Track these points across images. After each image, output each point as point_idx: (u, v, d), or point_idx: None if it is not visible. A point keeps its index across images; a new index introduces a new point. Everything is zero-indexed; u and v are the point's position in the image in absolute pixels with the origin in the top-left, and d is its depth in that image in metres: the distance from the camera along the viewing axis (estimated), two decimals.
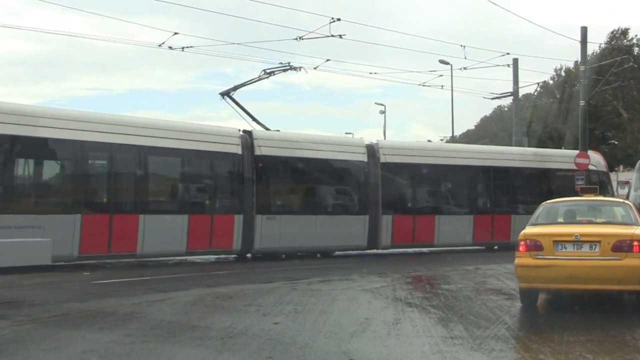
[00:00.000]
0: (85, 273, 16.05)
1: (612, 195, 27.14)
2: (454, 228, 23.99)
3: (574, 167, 26.49)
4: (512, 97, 33.85)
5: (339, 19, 22.33)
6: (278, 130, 22.23)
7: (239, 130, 21.03)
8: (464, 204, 25.45)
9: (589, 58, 30.75)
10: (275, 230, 20.42)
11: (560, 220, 11.70)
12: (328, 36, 22.41)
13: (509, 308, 10.98)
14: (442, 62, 35.85)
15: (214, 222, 19.49)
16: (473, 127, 75.27)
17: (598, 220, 11.73)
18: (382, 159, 22.80)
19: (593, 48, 41.08)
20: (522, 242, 10.69)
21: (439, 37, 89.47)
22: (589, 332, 8.94)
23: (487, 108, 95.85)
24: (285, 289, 13.28)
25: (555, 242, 10.44)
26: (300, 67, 23.38)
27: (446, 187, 25.50)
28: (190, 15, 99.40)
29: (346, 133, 44.08)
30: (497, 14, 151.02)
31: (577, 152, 27.48)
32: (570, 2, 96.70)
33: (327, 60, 27.81)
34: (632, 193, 29.78)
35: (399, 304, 11.37)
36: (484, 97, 36.75)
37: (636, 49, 47.47)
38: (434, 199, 24.79)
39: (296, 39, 23.08)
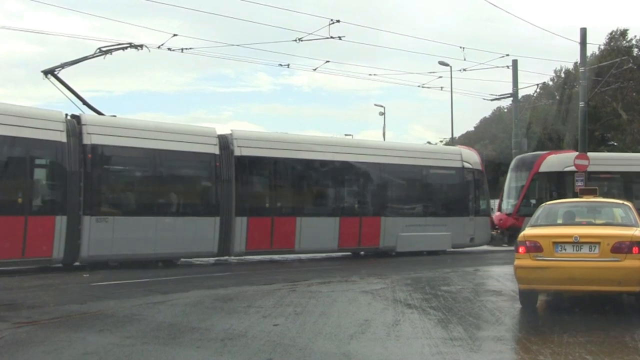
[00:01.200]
0: (84, 275, 16.04)
1: (488, 199, 26.52)
2: (317, 232, 21.25)
3: (453, 164, 24.70)
4: (511, 99, 33.89)
5: (338, 21, 22.34)
6: (114, 116, 19.08)
7: (66, 114, 17.80)
8: (329, 204, 22.59)
9: (588, 59, 30.77)
10: (107, 235, 17.41)
11: (560, 221, 11.72)
12: (327, 38, 22.42)
13: (508, 309, 11.00)
14: (442, 63, 35.88)
15: (28, 225, 16.17)
16: (472, 129, 75.27)
17: (597, 221, 11.75)
18: (237, 152, 19.99)
19: (592, 49, 41.18)
20: (521, 244, 10.70)
21: (438, 38, 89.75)
22: (589, 334, 8.95)
23: (487, 109, 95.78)
24: (285, 290, 13.29)
25: (555, 243, 10.45)
26: (142, 45, 20.71)
27: (310, 185, 22.61)
28: (191, 16, 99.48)
29: (346, 134, 44.09)
30: (496, 16, 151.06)
31: (455, 148, 27.53)
32: (569, 4, 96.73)
33: (327, 61, 28.01)
34: (505, 200, 29.22)
35: (398, 305, 11.37)
36: (484, 99, 36.80)
37: (635, 50, 47.53)
38: (296, 198, 21.95)
39: (296, 40, 23.06)
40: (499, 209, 29.33)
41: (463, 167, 25.02)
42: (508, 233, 26.71)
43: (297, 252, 21.46)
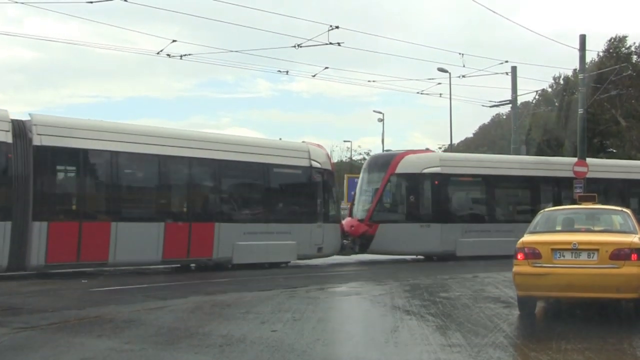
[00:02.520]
0: (83, 280, 16.03)
1: (337, 200, 24.23)
2: (137, 240, 17.72)
3: (299, 163, 21.64)
4: (510, 105, 33.94)
5: (337, 27, 22.36)
6: None
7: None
8: (152, 206, 19.00)
9: (587, 66, 30.83)
10: None
11: (559, 228, 11.72)
12: (326, 44, 22.44)
13: (507, 316, 10.99)
14: (441, 70, 35.92)
15: None
16: (471, 135, 75.39)
17: (596, 228, 11.74)
18: (37, 141, 16.44)
19: (591, 56, 41.22)
20: (520, 251, 10.71)
21: (437, 45, 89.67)
22: (587, 340, 8.94)
23: (486, 116, 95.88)
24: (283, 296, 13.28)
25: (554, 250, 10.45)
26: None
27: (129, 184, 19.05)
28: (190, 23, 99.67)
29: (344, 141, 44.14)
30: (495, 22, 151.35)
31: (302, 144, 23.22)
32: (569, 10, 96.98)
33: (326, 68, 27.81)
34: (357, 204, 25.31)
35: (397, 311, 11.37)
36: (483, 105, 36.86)
37: (634, 57, 47.63)
38: (110, 199, 18.14)
39: (295, 46, 23.10)
40: (350, 214, 25.58)
41: (311, 166, 21.92)
42: (359, 241, 23.95)
43: (111, 265, 17.73)
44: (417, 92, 33.44)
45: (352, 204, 26.24)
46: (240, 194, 21.06)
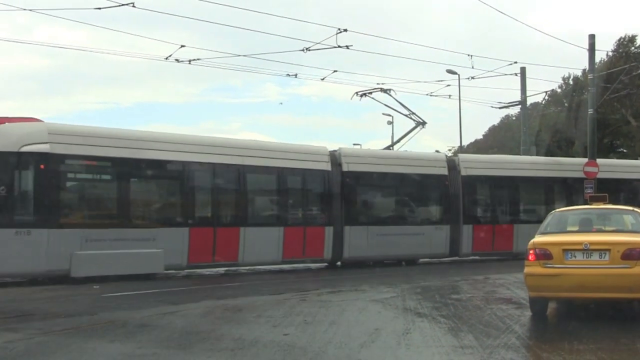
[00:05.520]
0: (95, 286, 16.06)
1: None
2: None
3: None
4: (520, 106, 33.84)
5: (345, 30, 22.28)
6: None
7: None
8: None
9: (597, 66, 30.73)
10: None
11: (570, 228, 11.68)
12: (335, 47, 22.41)
13: (518, 317, 10.97)
14: (450, 71, 35.81)
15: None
16: (481, 137, 75.22)
17: (607, 228, 11.73)
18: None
19: (601, 56, 41.04)
20: (531, 251, 10.71)
21: (446, 46, 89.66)
22: (599, 341, 8.92)
23: (495, 117, 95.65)
24: (295, 300, 13.29)
25: (565, 250, 10.44)
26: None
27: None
28: (198, 28, 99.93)
29: (354, 144, 44.13)
30: (504, 23, 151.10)
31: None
32: (578, 10, 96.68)
33: (335, 71, 27.80)
34: None
35: (408, 314, 11.37)
36: (492, 107, 36.61)
37: None
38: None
39: (303, 50, 23.05)
40: None
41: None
42: None
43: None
44: (426, 94, 33.36)
45: None
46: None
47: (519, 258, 20.30)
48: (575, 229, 11.60)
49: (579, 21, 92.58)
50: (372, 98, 25.21)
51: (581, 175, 26.30)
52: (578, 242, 10.48)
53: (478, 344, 8.76)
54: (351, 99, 25.15)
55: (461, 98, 39.12)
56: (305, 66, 41.68)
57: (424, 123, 25.69)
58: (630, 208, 12.31)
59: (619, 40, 48.22)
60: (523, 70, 31.92)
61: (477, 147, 65.81)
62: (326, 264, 22.04)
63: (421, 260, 23.42)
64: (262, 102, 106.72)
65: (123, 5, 18.77)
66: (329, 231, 21.41)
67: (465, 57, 66.72)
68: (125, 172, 18.19)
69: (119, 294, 14.80)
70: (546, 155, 38.28)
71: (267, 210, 21.41)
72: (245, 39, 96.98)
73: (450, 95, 34.72)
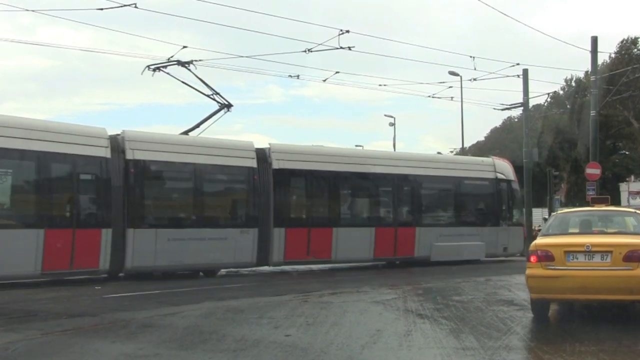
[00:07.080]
0: (97, 287, 16.09)
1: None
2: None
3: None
4: (522, 108, 33.83)
5: (347, 31, 22.28)
6: None
7: None
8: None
9: (599, 68, 30.72)
10: None
11: (572, 230, 11.67)
12: (337, 48, 22.39)
13: (520, 319, 10.96)
14: (452, 73, 35.83)
15: None
16: (483, 139, 75.20)
17: (609, 230, 11.72)
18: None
19: (603, 57, 41.05)
20: (533, 253, 10.69)
21: (448, 48, 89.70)
22: (601, 343, 8.91)
23: (497, 119, 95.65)
24: (296, 301, 13.30)
25: (567, 252, 10.42)
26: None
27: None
28: (200, 29, 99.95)
29: (356, 145, 44.10)
30: (506, 25, 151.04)
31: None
32: (580, 12, 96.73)
33: (337, 72, 27.62)
34: None
35: (410, 315, 11.37)
36: (494, 108, 36.45)
37: None
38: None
39: (305, 51, 23.03)
40: None
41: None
42: None
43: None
44: (429, 96, 33.12)
45: None
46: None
47: (336, 269, 21.48)
48: (577, 230, 11.60)
49: (582, 23, 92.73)
50: (167, 73, 21.35)
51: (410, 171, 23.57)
52: (580, 243, 10.47)
53: (479, 345, 8.75)
54: (142, 73, 21.41)
55: (463, 100, 39.11)
56: (308, 67, 41.66)
57: (229, 106, 21.90)
58: (632, 210, 12.31)
59: (622, 42, 48.25)
60: (525, 71, 31.91)
61: (478, 148, 65.85)
62: (104, 275, 17.78)
63: (223, 270, 20.25)
64: (265, 104, 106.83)
65: (125, 6, 18.77)
66: (106, 234, 17.31)
67: (467, 58, 66.55)
68: None
69: (120, 295, 14.81)
70: (548, 157, 38.27)
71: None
72: (248, 40, 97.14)
73: (452, 97, 34.72)
